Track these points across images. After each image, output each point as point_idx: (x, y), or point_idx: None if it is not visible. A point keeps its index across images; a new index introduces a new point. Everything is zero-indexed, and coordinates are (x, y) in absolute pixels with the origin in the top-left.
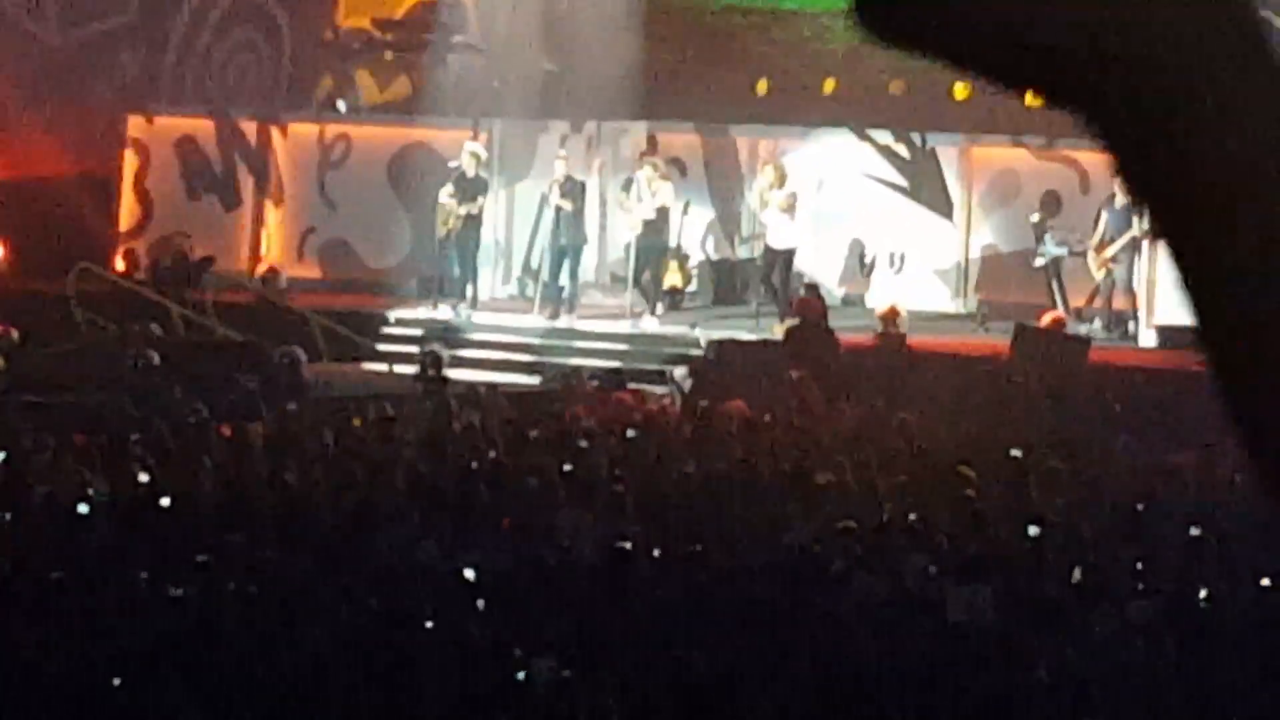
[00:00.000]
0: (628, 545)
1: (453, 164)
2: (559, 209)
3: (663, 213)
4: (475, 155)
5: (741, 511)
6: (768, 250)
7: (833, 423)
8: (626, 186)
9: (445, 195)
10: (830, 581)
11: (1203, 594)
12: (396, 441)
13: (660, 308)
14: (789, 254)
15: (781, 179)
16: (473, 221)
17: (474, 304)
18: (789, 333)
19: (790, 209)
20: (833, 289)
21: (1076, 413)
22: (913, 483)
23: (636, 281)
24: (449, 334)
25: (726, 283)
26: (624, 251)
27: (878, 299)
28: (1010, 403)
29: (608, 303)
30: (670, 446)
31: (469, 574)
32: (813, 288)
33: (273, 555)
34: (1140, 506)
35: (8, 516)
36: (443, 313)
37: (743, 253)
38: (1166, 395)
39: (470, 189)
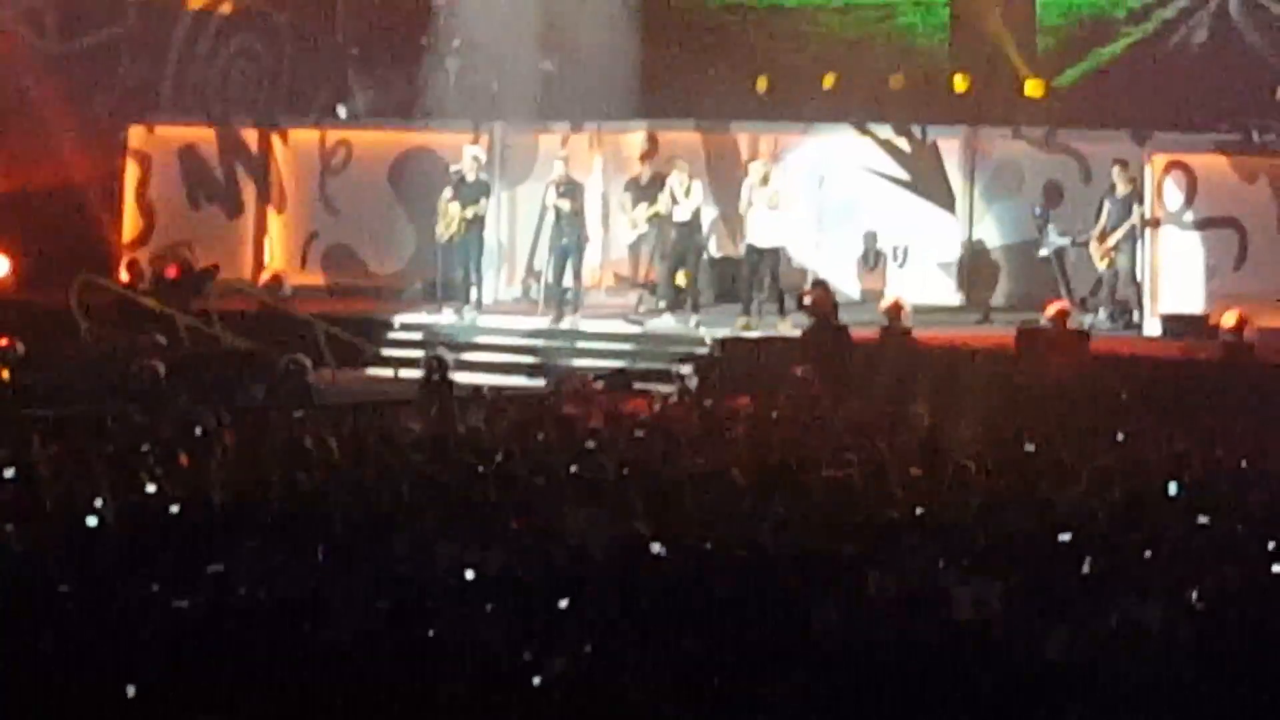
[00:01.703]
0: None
1: (454, 168)
2: (558, 209)
3: (697, 213)
4: (476, 159)
5: (751, 508)
6: (750, 249)
7: (840, 418)
8: (631, 188)
9: (445, 199)
10: (842, 577)
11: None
12: (404, 446)
13: (684, 307)
14: (775, 252)
15: (766, 177)
16: (476, 224)
17: (478, 307)
18: (805, 330)
19: (775, 206)
20: (837, 284)
21: (1083, 404)
22: (923, 477)
23: (669, 282)
24: (453, 338)
25: (729, 281)
26: (627, 251)
27: (882, 293)
28: (1017, 396)
29: (612, 303)
30: (678, 445)
31: (479, 576)
32: (821, 284)
33: (283, 563)
34: (1148, 496)
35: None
36: (447, 317)
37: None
38: (1172, 384)
39: (472, 192)
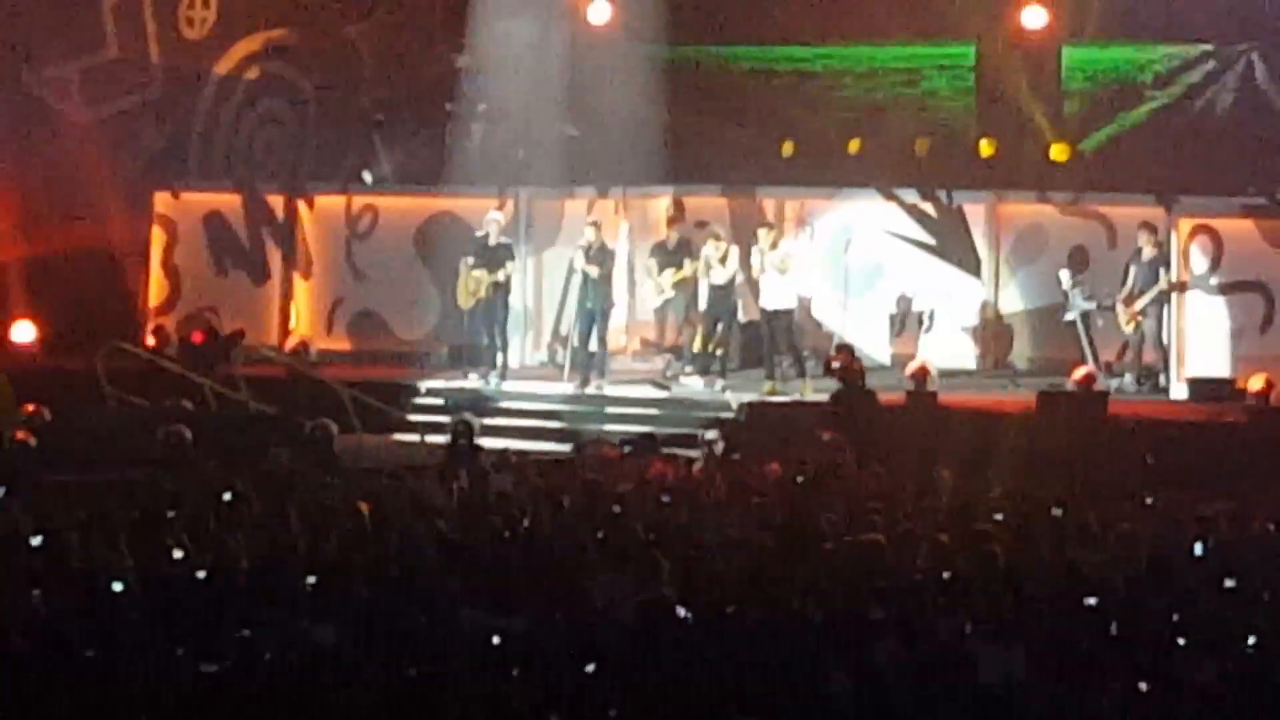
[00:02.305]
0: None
1: (479, 233)
2: (586, 274)
3: (733, 278)
4: (497, 222)
5: (778, 572)
6: (763, 313)
7: (867, 482)
8: (657, 252)
9: (467, 264)
10: (868, 640)
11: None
12: (430, 511)
13: (711, 372)
14: (788, 314)
15: (775, 241)
16: (501, 289)
17: (504, 373)
18: (835, 395)
19: (786, 271)
20: (863, 348)
21: (1110, 468)
22: (951, 541)
23: (705, 347)
24: (480, 403)
25: (754, 345)
26: (653, 316)
27: (908, 357)
28: (1043, 459)
29: (638, 367)
30: (704, 510)
31: (506, 640)
32: (847, 347)
33: (310, 627)
34: (1175, 559)
35: (43, 595)
36: (473, 381)
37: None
38: (1198, 447)
39: (495, 257)
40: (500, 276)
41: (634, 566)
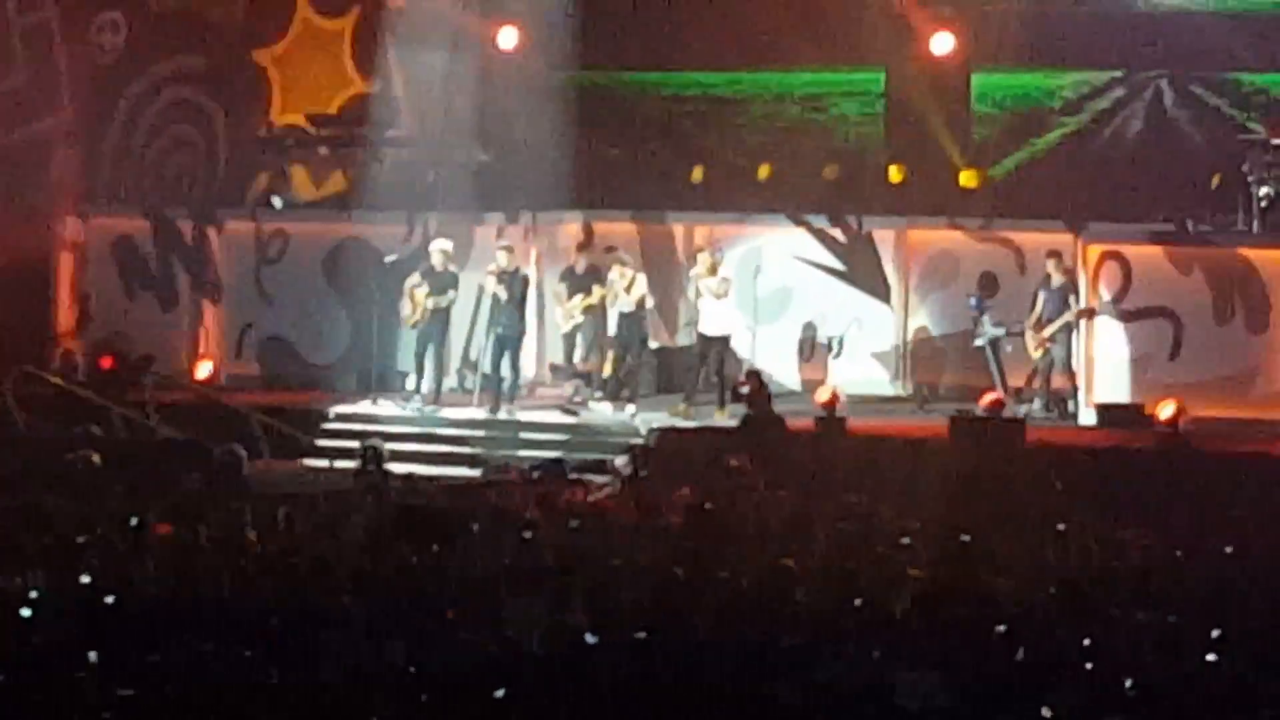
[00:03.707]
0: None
1: (389, 259)
2: (496, 298)
3: (640, 304)
4: (444, 252)
5: (687, 598)
6: (702, 338)
7: (775, 508)
8: (566, 278)
9: (411, 285)
10: (780, 666)
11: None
12: (338, 537)
13: (621, 397)
14: (724, 340)
15: (714, 266)
16: (440, 315)
17: (437, 397)
18: (743, 420)
19: (724, 296)
20: (773, 374)
21: (1019, 494)
22: (861, 567)
23: (615, 373)
24: (389, 428)
25: (665, 371)
26: (563, 342)
27: (818, 383)
28: (953, 485)
29: (548, 393)
30: (613, 536)
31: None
32: (755, 373)
33: (218, 653)
34: (1084, 585)
35: None
36: (382, 407)
37: (681, 340)
38: (1108, 474)
39: (439, 283)
40: (442, 302)
41: (543, 592)
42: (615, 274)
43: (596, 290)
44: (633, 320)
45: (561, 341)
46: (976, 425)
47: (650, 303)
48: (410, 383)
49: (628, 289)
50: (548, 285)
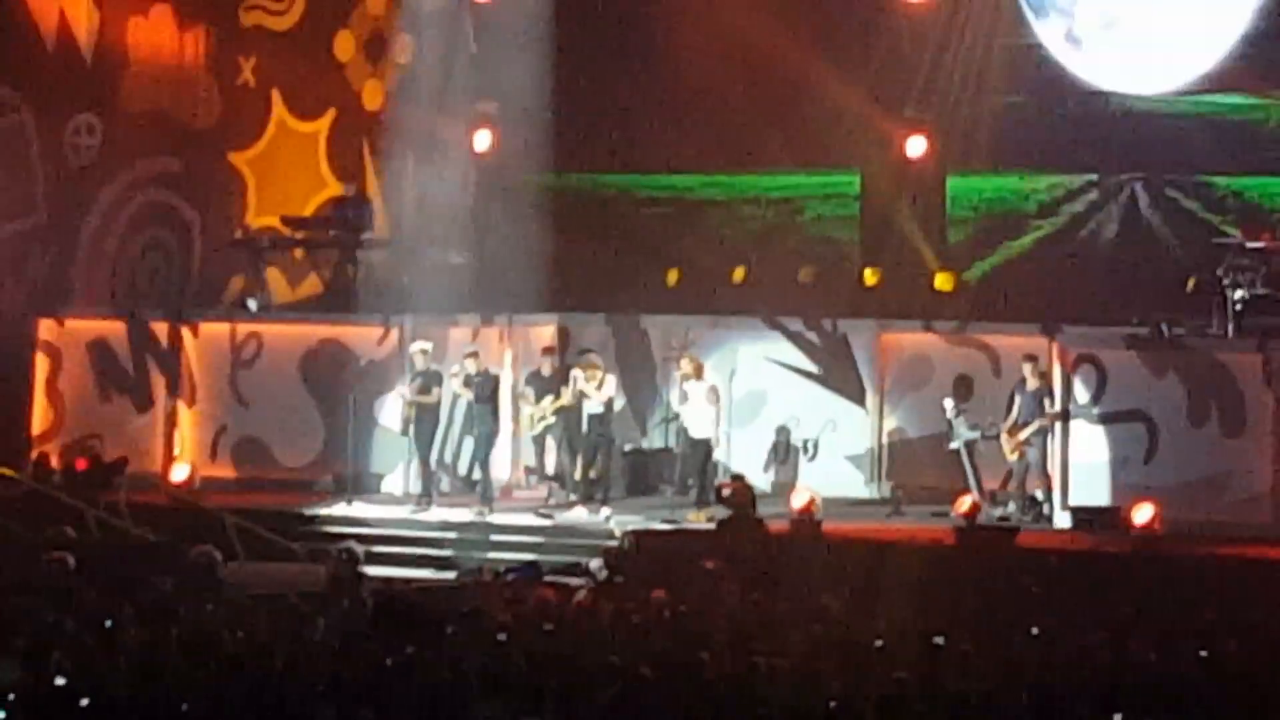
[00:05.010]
0: None
1: (363, 361)
2: (469, 403)
3: (609, 405)
4: (423, 351)
5: (659, 701)
6: (689, 441)
7: (751, 611)
8: (533, 381)
9: (402, 390)
10: None
11: None
12: (312, 640)
13: (595, 500)
14: (708, 444)
15: (699, 370)
16: (426, 411)
17: (428, 496)
18: (721, 524)
19: (712, 400)
20: (747, 476)
21: (993, 597)
22: (834, 670)
23: (582, 475)
24: (363, 530)
25: (640, 473)
26: (533, 444)
27: (792, 485)
28: (927, 589)
29: (522, 495)
30: (587, 638)
31: None
32: (739, 476)
33: None
34: (1057, 689)
35: None
36: (357, 509)
37: (656, 443)
38: (1083, 576)
39: (423, 381)
40: (421, 400)
41: (515, 695)
42: (579, 373)
43: (564, 391)
44: (601, 421)
45: (532, 444)
46: (979, 534)
47: (620, 403)
48: (387, 485)
49: (598, 388)
50: (523, 388)
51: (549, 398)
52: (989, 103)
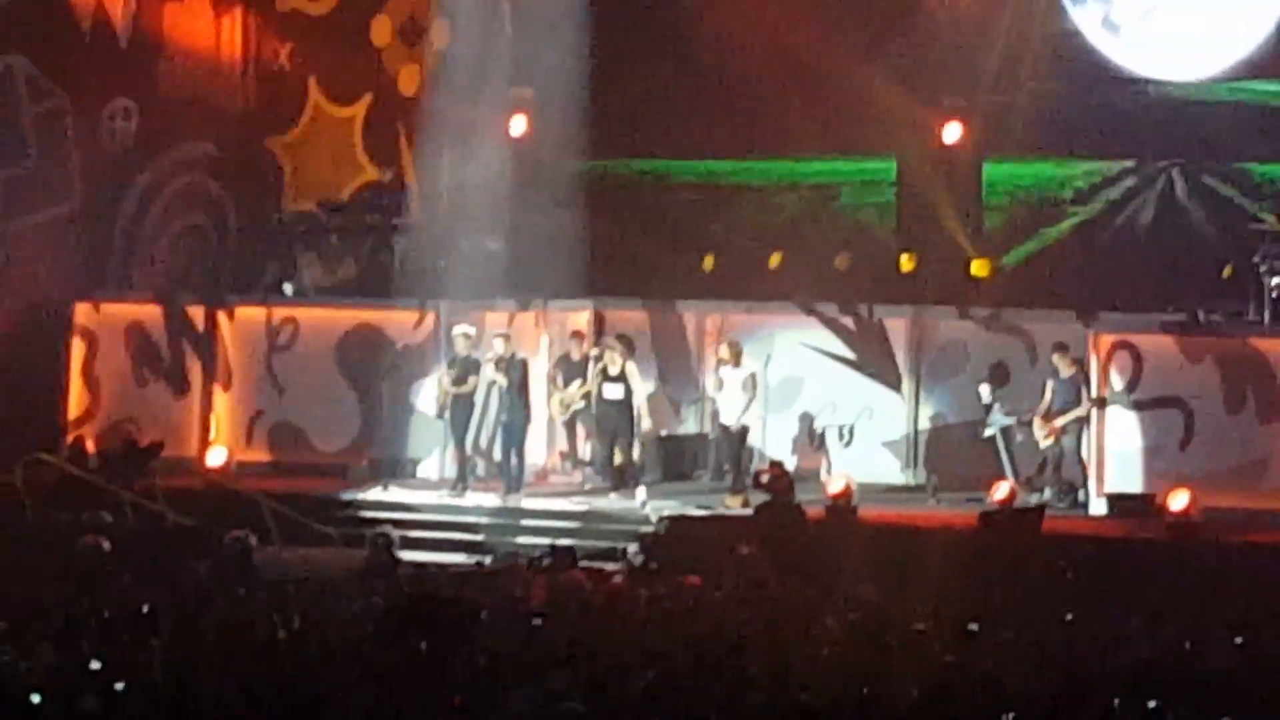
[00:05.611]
0: None
1: (399, 345)
2: (501, 387)
3: (628, 392)
4: (465, 335)
5: (695, 687)
6: (724, 428)
7: (786, 597)
8: (562, 365)
9: (440, 375)
10: None
11: None
12: (347, 624)
13: (627, 485)
14: (744, 431)
15: (737, 356)
16: (462, 400)
17: (463, 482)
18: (758, 509)
19: (748, 387)
20: (783, 462)
21: (1028, 584)
22: (870, 656)
23: (609, 461)
24: (399, 515)
25: (675, 459)
26: (564, 429)
27: (828, 472)
28: (964, 574)
29: (557, 480)
30: (623, 624)
31: None
32: (778, 463)
33: None
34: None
35: None
36: (392, 494)
37: (691, 428)
38: (1119, 564)
39: (462, 369)
40: (459, 390)
41: (550, 681)
42: (605, 358)
43: (591, 377)
44: (620, 408)
45: (564, 430)
46: (1003, 520)
47: (650, 389)
48: (422, 470)
49: (617, 374)
50: (559, 372)
51: (577, 382)
52: (1026, 89)
